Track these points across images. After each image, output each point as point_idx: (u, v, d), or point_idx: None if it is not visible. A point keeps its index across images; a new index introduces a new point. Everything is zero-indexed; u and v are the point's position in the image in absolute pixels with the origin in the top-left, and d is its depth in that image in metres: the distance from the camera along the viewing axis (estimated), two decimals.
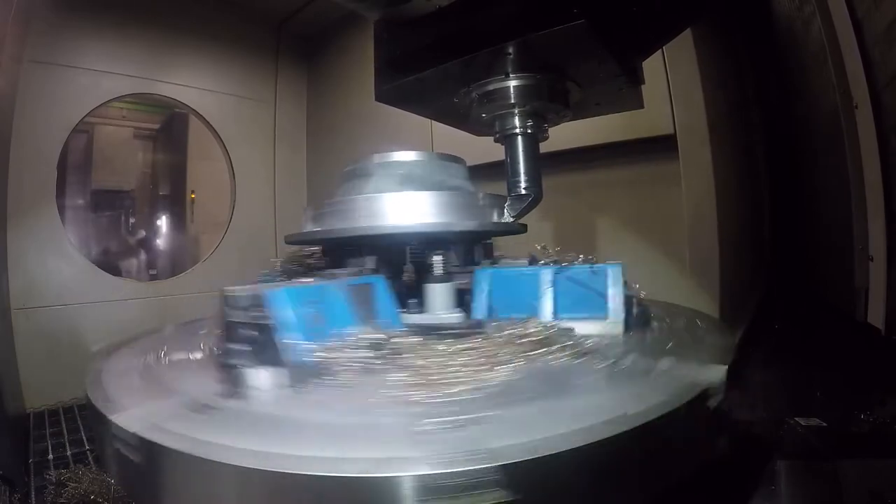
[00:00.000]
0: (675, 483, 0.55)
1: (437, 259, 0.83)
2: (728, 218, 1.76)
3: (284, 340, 0.60)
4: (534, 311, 0.78)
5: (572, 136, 1.79)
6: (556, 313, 0.77)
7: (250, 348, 0.62)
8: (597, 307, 0.77)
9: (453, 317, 0.81)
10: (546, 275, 0.79)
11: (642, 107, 1.12)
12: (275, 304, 0.61)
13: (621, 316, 0.76)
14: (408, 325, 0.77)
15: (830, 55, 1.55)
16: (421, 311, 0.82)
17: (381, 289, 0.77)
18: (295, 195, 3.24)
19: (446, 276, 0.84)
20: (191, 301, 2.69)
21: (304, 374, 0.60)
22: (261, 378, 0.60)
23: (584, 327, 0.76)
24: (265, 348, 0.61)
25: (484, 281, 0.82)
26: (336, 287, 0.70)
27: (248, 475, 0.44)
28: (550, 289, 0.78)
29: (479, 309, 0.81)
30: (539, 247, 0.88)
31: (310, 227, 0.91)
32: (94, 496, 1.47)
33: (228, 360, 0.64)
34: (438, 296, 0.82)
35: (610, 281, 0.77)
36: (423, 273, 0.87)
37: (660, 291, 1.02)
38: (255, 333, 0.62)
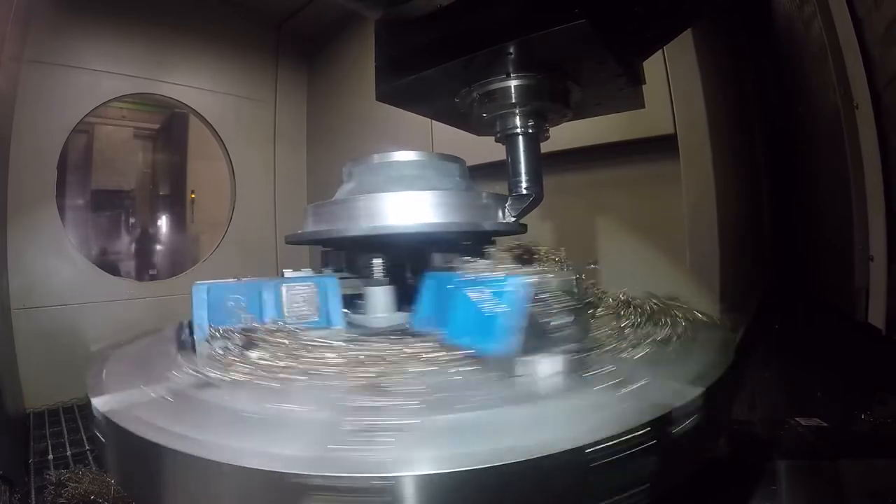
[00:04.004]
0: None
1: (375, 262, 0.84)
2: (728, 218, 1.76)
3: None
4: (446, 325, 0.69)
5: (572, 136, 1.79)
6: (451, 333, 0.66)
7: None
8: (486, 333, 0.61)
9: (392, 318, 0.82)
10: (455, 284, 0.69)
11: (643, 107, 1.12)
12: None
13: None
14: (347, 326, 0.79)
15: (831, 55, 1.55)
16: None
17: (328, 288, 0.78)
18: (295, 195, 3.24)
19: (386, 279, 0.84)
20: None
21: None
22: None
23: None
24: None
25: (425, 285, 0.79)
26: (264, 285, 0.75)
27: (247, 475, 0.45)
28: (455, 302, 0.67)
29: (420, 314, 0.78)
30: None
31: (309, 227, 0.91)
32: (94, 496, 1.47)
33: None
34: (379, 298, 0.83)
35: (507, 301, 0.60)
36: (421, 273, 0.86)
37: (660, 291, 1.02)
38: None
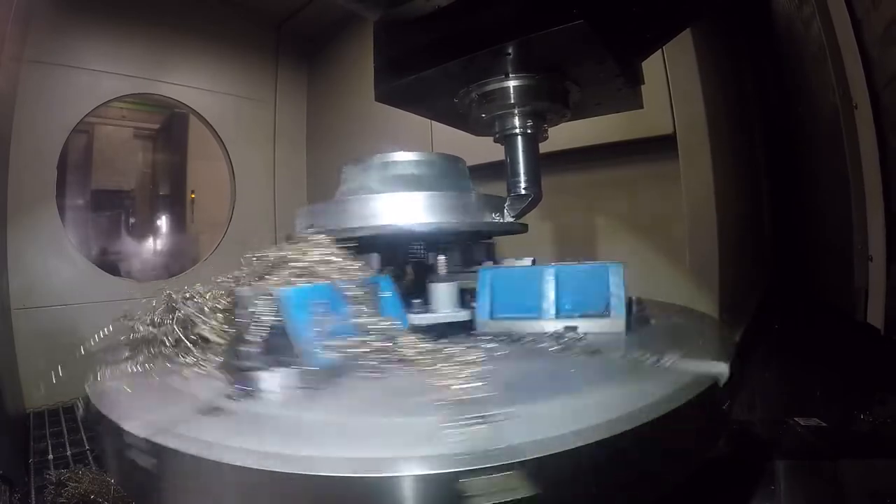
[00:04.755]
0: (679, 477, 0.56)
1: (440, 259, 0.84)
2: (728, 218, 1.76)
3: (298, 341, 0.60)
4: (536, 311, 0.78)
5: (572, 136, 1.79)
6: (558, 312, 0.78)
7: (261, 349, 0.60)
8: (599, 305, 0.77)
9: (459, 315, 0.82)
10: (548, 274, 0.79)
11: (642, 107, 1.13)
12: (286, 304, 0.61)
13: (622, 313, 0.76)
14: (414, 325, 0.77)
15: (830, 55, 1.55)
16: (425, 311, 0.82)
17: (387, 288, 0.76)
18: (295, 195, 3.24)
19: (450, 276, 0.84)
20: None
21: (321, 375, 0.60)
22: (274, 380, 0.59)
23: (586, 325, 0.76)
24: (277, 349, 0.60)
25: (487, 280, 0.81)
26: (342, 287, 0.69)
27: (249, 475, 0.45)
28: (553, 288, 0.78)
29: (483, 308, 0.81)
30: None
31: (307, 227, 0.91)
32: (94, 496, 1.47)
33: (240, 362, 0.61)
34: (443, 295, 0.82)
35: (611, 280, 0.77)
36: (423, 272, 0.87)
37: (660, 291, 1.02)
38: (266, 335, 0.60)
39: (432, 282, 0.83)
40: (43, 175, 2.37)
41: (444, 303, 0.82)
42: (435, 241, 0.89)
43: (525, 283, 0.80)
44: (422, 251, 0.88)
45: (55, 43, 2.42)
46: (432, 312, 0.82)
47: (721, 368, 0.61)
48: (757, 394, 1.42)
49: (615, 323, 0.76)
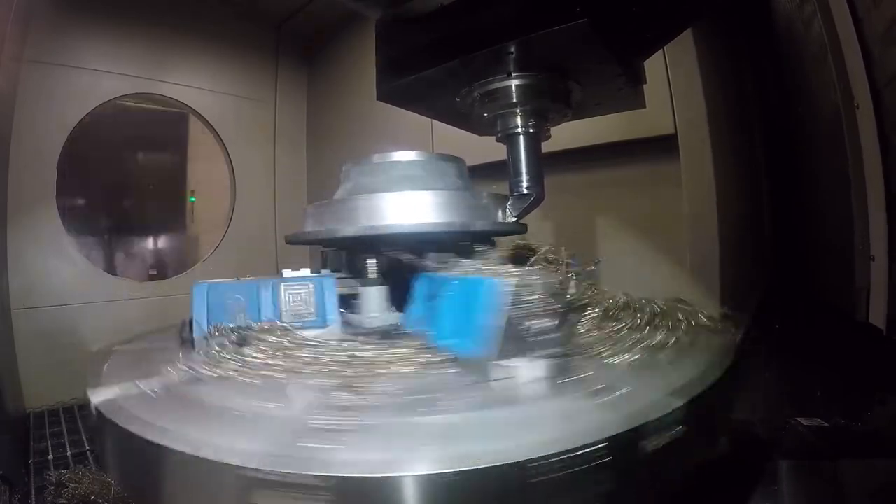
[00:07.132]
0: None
1: (370, 262, 0.83)
2: (728, 218, 1.76)
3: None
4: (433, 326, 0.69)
5: (572, 136, 1.79)
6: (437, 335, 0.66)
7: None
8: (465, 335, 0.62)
9: (385, 318, 0.82)
10: (440, 285, 0.69)
11: (644, 106, 1.12)
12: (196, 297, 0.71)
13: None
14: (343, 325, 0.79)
15: (831, 54, 1.55)
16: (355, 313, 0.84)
17: (324, 288, 0.77)
18: (295, 195, 3.25)
19: (380, 279, 0.84)
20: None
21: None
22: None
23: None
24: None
25: (417, 285, 0.78)
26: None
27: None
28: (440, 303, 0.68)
29: (412, 314, 0.77)
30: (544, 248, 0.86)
31: (308, 227, 0.91)
32: (94, 496, 1.47)
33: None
34: (373, 299, 0.84)
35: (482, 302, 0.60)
36: (419, 273, 0.86)
37: (661, 291, 1.02)
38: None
39: (363, 285, 0.84)
40: (43, 175, 2.37)
41: (373, 307, 0.83)
42: (433, 241, 0.88)
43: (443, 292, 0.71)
44: (423, 252, 0.87)
45: (55, 43, 2.42)
46: (361, 314, 0.83)
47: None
48: (757, 394, 1.42)
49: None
